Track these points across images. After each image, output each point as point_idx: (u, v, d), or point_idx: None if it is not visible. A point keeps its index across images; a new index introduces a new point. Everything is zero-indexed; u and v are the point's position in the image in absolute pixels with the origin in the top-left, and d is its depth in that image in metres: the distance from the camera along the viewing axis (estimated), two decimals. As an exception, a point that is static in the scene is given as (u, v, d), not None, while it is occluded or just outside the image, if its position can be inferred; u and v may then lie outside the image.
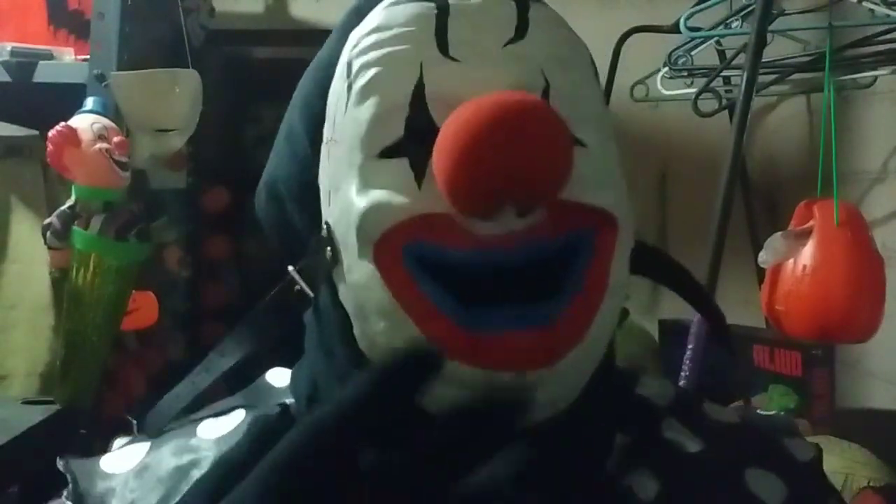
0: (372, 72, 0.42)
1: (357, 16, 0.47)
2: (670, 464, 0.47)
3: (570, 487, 0.42)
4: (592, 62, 0.47)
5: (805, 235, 1.08)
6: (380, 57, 0.43)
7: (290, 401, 0.50)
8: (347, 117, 0.43)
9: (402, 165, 0.41)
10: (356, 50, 0.44)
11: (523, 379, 0.38)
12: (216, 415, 0.50)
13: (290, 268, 0.47)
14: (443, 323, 0.39)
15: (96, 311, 1.05)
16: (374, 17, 0.44)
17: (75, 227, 1.04)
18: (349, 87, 0.43)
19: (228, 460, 0.45)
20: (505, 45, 0.43)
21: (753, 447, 0.50)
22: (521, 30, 0.43)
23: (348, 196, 0.42)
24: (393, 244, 0.40)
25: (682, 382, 1.07)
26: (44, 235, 1.06)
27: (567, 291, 0.40)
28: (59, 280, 1.11)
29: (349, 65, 0.44)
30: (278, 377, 0.53)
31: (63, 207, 1.05)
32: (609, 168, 0.44)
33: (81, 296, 1.04)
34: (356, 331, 0.43)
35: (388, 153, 0.42)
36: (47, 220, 1.06)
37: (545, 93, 0.42)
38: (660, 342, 1.48)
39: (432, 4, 0.43)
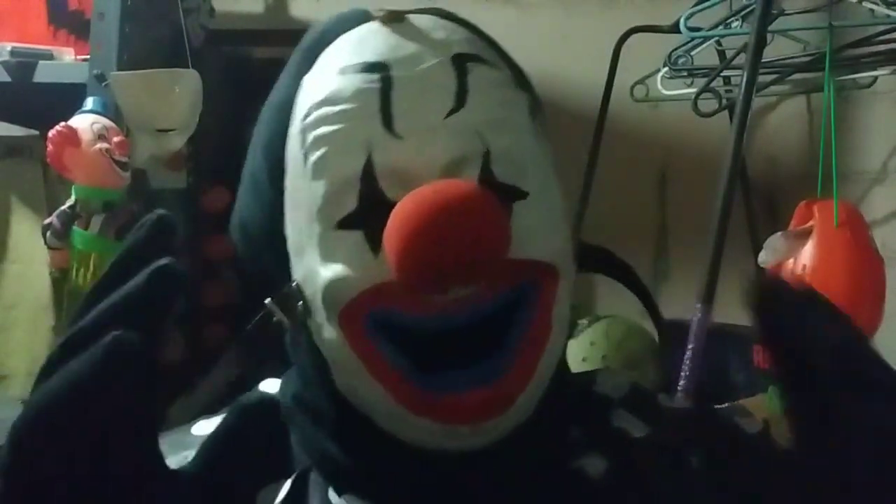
0: (323, 150, 0.46)
1: (306, 58, 0.50)
2: (617, 446, 0.50)
3: (528, 475, 0.47)
4: (531, 110, 0.50)
5: (805, 235, 1.08)
6: (329, 134, 0.46)
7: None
8: (304, 186, 0.46)
9: (358, 238, 0.45)
10: (308, 120, 0.46)
11: (479, 428, 0.44)
12: (208, 416, 0.54)
13: (268, 300, 0.50)
14: (404, 385, 0.44)
15: (96, 311, 1.05)
16: (324, 86, 0.47)
17: (75, 227, 1.04)
18: (305, 157, 0.46)
19: None
20: (446, 116, 0.45)
21: (700, 427, 0.54)
22: (461, 98, 0.46)
23: (312, 265, 0.46)
24: (357, 313, 0.44)
25: (681, 382, 1.07)
26: (44, 235, 1.06)
27: (511, 346, 0.44)
28: (59, 280, 1.11)
29: (303, 133, 0.47)
30: (270, 386, 0.56)
31: (63, 207, 1.05)
32: (551, 214, 0.47)
33: (81, 296, 1.04)
34: (333, 373, 0.47)
35: (345, 224, 0.45)
36: (47, 220, 1.06)
37: (486, 156, 0.46)
38: (660, 342, 1.48)
39: (376, 76, 0.46)
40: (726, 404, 0.57)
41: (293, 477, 0.49)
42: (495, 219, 0.43)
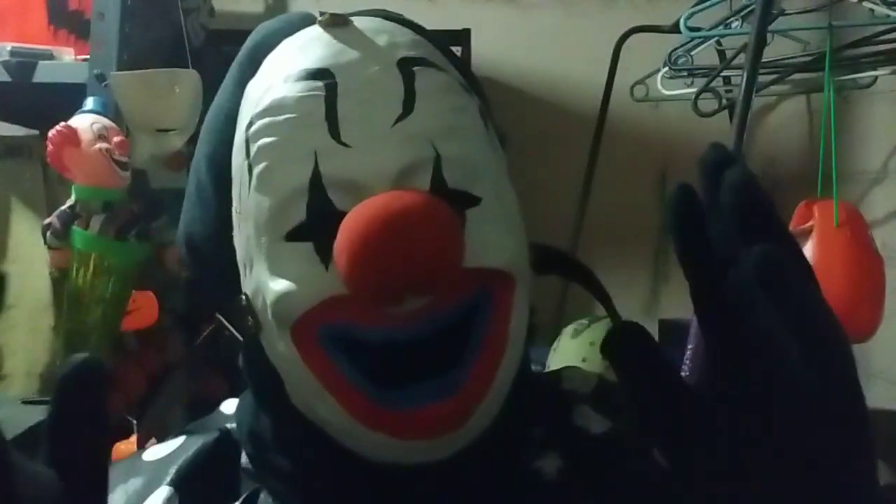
0: (268, 161, 0.44)
1: (250, 63, 0.48)
2: (575, 445, 0.50)
3: (488, 483, 0.47)
4: (482, 114, 0.49)
5: (805, 235, 1.08)
6: (274, 144, 0.44)
7: (231, 425, 0.53)
8: (251, 198, 0.45)
9: (307, 250, 0.43)
10: (252, 130, 0.45)
11: (436, 442, 0.43)
12: (162, 441, 0.53)
13: (218, 315, 0.49)
14: (361, 401, 0.42)
15: (96, 311, 1.05)
16: (267, 95, 0.45)
17: (75, 227, 1.04)
18: (250, 168, 0.45)
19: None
20: (394, 123, 0.44)
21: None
22: (409, 104, 0.44)
23: (261, 278, 0.44)
24: (309, 327, 0.43)
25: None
26: (44, 235, 1.06)
27: (467, 356, 0.43)
28: (59, 280, 1.11)
29: (247, 142, 0.45)
30: (230, 406, 0.56)
31: (63, 207, 1.05)
32: (505, 220, 0.46)
33: (81, 296, 1.04)
34: (288, 389, 0.46)
35: (293, 236, 0.44)
36: (47, 220, 1.06)
37: (436, 163, 0.44)
38: (660, 342, 1.48)
39: (321, 83, 0.44)
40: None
41: (241, 499, 0.49)
42: (448, 229, 0.42)
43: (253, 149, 0.44)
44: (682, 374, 1.10)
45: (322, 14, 0.47)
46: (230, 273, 0.47)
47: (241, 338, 0.48)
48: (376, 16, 0.49)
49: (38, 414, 1.08)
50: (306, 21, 0.49)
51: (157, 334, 1.31)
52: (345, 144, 0.43)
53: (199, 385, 0.49)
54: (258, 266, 0.44)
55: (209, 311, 0.49)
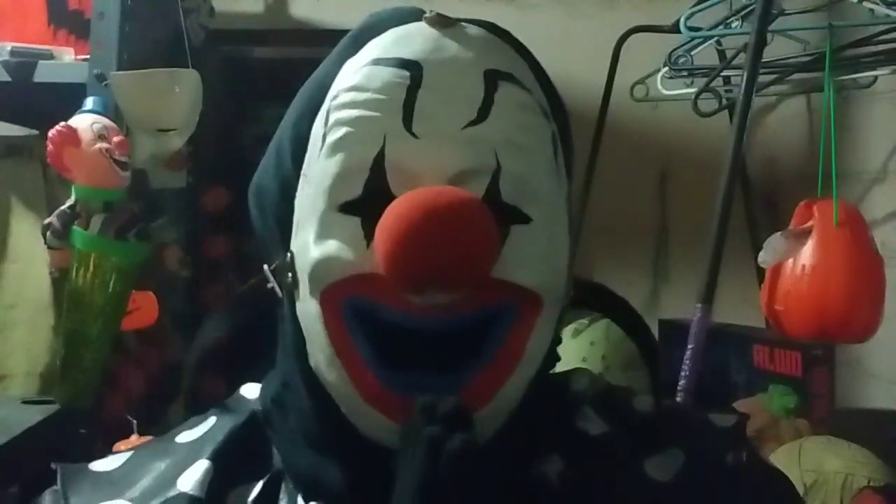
0: (342, 131, 0.46)
1: (354, 44, 0.51)
2: (575, 446, 0.51)
3: (492, 482, 0.46)
4: (554, 141, 0.50)
5: (805, 235, 1.08)
6: (351, 118, 0.47)
7: (258, 408, 0.54)
8: (319, 164, 0.47)
9: (355, 224, 0.46)
10: (335, 102, 0.47)
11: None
12: (191, 426, 0.55)
13: (266, 266, 0.51)
14: (366, 374, 0.45)
15: (96, 311, 1.05)
16: (356, 74, 0.48)
17: (75, 227, 1.04)
18: (324, 136, 0.47)
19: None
20: (465, 126, 0.46)
21: (665, 429, 0.53)
22: (484, 112, 0.46)
23: (307, 240, 0.47)
24: (337, 294, 0.45)
25: (681, 382, 1.07)
26: (44, 235, 1.06)
27: (476, 362, 0.45)
28: (59, 280, 1.11)
29: (328, 114, 0.48)
30: (251, 391, 0.57)
31: (63, 207, 1.05)
32: (550, 246, 0.47)
33: (81, 296, 1.04)
34: (308, 348, 0.48)
35: (346, 209, 0.46)
36: (47, 220, 1.06)
37: (495, 174, 0.46)
38: (660, 342, 1.48)
39: (407, 73, 0.47)
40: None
41: (266, 478, 0.50)
42: (484, 234, 0.43)
43: (331, 118, 0.47)
44: (682, 374, 1.10)
45: (431, 11, 0.49)
46: (285, 230, 0.50)
47: (279, 292, 0.50)
48: (483, 26, 0.51)
49: (38, 414, 1.07)
50: (416, 16, 0.51)
51: (157, 334, 1.31)
52: (413, 135, 0.46)
53: (239, 329, 0.52)
54: (308, 228, 0.47)
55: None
